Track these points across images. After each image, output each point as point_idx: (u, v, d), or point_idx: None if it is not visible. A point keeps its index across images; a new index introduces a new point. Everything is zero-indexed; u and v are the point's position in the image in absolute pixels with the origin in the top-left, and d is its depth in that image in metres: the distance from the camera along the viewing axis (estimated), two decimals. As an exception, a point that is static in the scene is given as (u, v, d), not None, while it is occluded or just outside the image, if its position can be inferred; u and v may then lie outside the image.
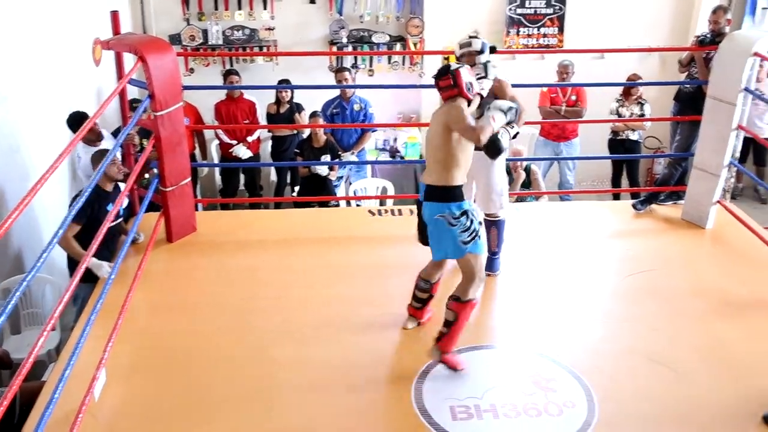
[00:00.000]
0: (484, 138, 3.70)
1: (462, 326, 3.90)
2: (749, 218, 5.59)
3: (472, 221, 3.83)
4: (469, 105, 3.88)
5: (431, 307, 4.33)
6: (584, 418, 3.60)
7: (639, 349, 4.16)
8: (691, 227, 5.63)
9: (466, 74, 3.87)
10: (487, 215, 4.74)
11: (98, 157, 4.85)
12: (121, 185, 4.79)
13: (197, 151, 7.56)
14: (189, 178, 5.31)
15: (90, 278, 4.41)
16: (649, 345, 4.19)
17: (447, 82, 3.86)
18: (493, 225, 4.77)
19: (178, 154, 5.10)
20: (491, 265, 4.81)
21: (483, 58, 4.47)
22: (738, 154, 5.56)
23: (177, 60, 5.03)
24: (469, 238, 3.82)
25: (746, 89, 5.15)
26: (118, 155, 5.26)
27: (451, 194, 3.83)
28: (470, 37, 4.55)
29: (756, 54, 5.06)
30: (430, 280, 4.21)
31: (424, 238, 4.06)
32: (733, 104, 5.16)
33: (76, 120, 5.38)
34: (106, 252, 4.61)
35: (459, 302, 3.89)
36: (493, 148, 3.83)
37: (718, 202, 5.55)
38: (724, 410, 3.68)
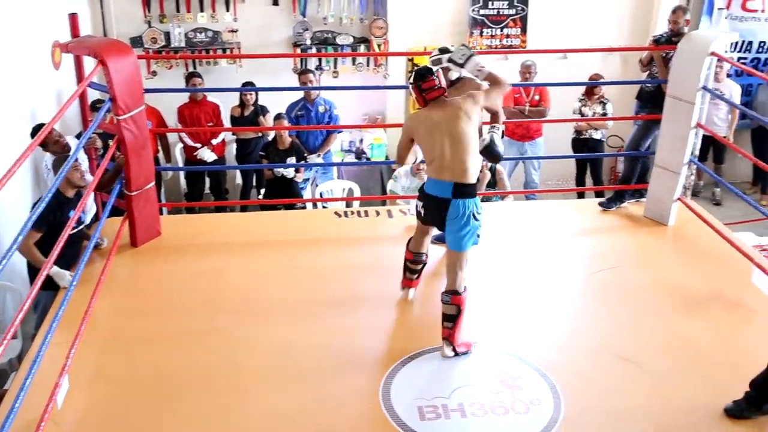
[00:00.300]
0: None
1: (464, 315, 4.06)
2: (709, 215, 5.69)
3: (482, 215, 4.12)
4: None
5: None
6: (550, 415, 3.63)
7: (604, 345, 4.21)
8: (654, 224, 5.71)
9: (442, 76, 4.10)
10: None
11: (59, 163, 4.77)
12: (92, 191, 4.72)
13: (161, 155, 7.48)
14: (153, 182, 5.26)
15: (51, 285, 4.35)
16: (614, 341, 4.24)
17: (432, 83, 4.04)
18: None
19: (142, 157, 5.04)
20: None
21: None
22: (697, 152, 5.66)
23: (138, 63, 4.97)
24: (479, 231, 4.11)
25: (704, 88, 5.24)
26: (85, 163, 5.19)
27: (476, 190, 4.09)
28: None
29: (713, 53, 5.15)
30: (422, 251, 4.47)
31: (432, 221, 4.25)
32: (692, 103, 5.25)
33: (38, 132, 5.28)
34: (68, 259, 4.54)
35: (458, 295, 4.04)
36: (492, 153, 4.10)
37: (679, 199, 5.64)
38: (688, 405, 3.73)
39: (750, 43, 8.74)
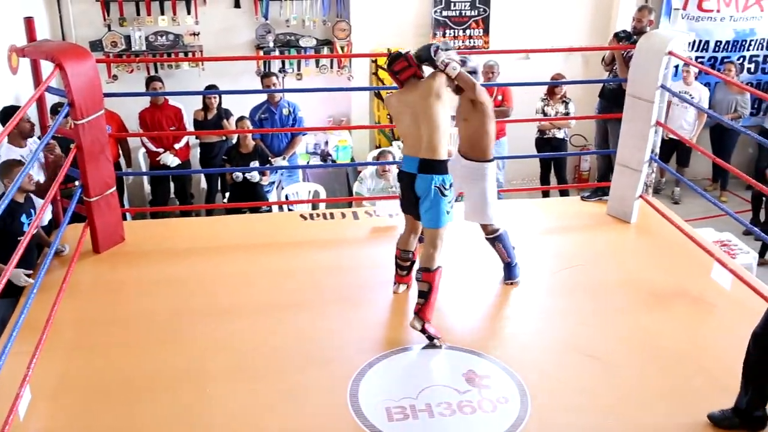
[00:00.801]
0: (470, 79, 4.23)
1: (436, 292, 4.18)
2: (671, 212, 5.78)
3: (452, 193, 4.27)
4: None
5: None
6: (517, 413, 3.65)
7: (569, 342, 4.26)
8: (617, 222, 5.78)
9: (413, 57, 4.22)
10: (485, 231, 4.74)
11: (6, 168, 4.68)
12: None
13: (122, 160, 7.38)
14: (114, 188, 5.19)
15: (10, 293, 4.25)
16: (579, 338, 4.29)
17: (403, 64, 4.21)
18: (495, 240, 4.74)
19: (101, 163, 4.97)
20: (510, 274, 4.81)
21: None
22: (657, 150, 5.75)
23: (97, 67, 4.90)
24: (451, 208, 4.24)
25: (662, 87, 5.32)
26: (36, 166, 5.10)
27: (443, 166, 4.20)
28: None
29: (671, 53, 5.23)
30: (409, 249, 4.55)
31: (408, 208, 4.42)
32: (651, 102, 5.32)
33: (8, 114, 5.18)
34: (25, 265, 4.45)
35: (429, 272, 4.17)
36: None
37: (641, 197, 5.72)
38: (652, 399, 3.79)
39: (707, 42, 8.91)
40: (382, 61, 8.27)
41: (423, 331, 4.14)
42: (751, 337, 3.48)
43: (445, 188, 4.19)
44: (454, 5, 8.31)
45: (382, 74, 8.34)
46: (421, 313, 4.14)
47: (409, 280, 4.66)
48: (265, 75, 7.53)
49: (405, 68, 4.22)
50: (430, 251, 4.22)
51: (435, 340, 4.17)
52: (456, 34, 8.40)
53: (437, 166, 4.19)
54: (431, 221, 4.23)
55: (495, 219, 4.69)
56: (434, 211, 4.20)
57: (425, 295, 4.15)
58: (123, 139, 7.29)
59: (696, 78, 8.37)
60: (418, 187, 4.23)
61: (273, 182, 7.42)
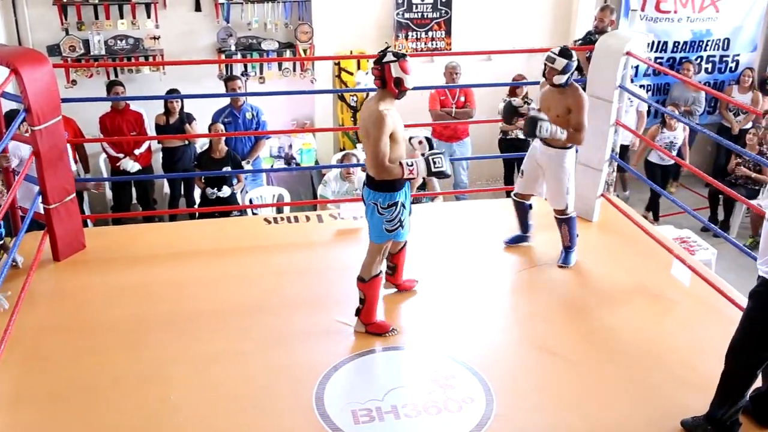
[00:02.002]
0: (384, 161, 3.97)
1: (373, 300, 4.25)
2: (632, 210, 5.86)
3: (399, 213, 4.13)
4: (398, 98, 4.05)
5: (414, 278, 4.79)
6: (483, 412, 3.68)
7: (533, 341, 4.30)
8: (579, 221, 5.78)
9: (397, 69, 3.94)
10: (556, 212, 5.07)
11: None
12: None
13: (80, 166, 7.27)
14: (74, 194, 5.11)
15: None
16: (543, 336, 4.33)
17: (376, 71, 4.00)
18: (564, 222, 5.06)
19: (60, 169, 4.89)
20: (566, 259, 5.10)
21: None
22: (618, 149, 5.83)
23: (54, 72, 4.83)
24: (392, 228, 4.15)
25: (621, 86, 5.39)
26: None
27: (382, 186, 4.08)
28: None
29: (629, 53, 5.31)
30: (391, 251, 4.48)
31: None
32: (610, 101, 5.41)
33: None
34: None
35: (363, 282, 4.24)
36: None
37: (602, 195, 5.79)
38: (613, 396, 3.85)
39: (665, 43, 9.06)
40: (345, 64, 8.33)
41: (368, 332, 4.27)
42: (729, 351, 3.48)
43: (382, 207, 4.10)
44: (417, 7, 8.34)
45: (345, 77, 8.34)
46: (360, 316, 4.30)
47: (395, 281, 4.71)
48: (229, 78, 7.48)
49: (376, 77, 4.03)
50: (366, 261, 4.25)
51: (386, 334, 4.27)
52: (418, 36, 8.43)
53: (377, 184, 4.09)
54: (370, 233, 4.25)
55: (569, 204, 5.00)
56: (371, 224, 4.21)
57: (362, 302, 4.27)
58: (80, 144, 7.19)
59: (645, 75, 8.49)
60: (363, 199, 4.28)
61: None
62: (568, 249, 5.10)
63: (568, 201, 4.99)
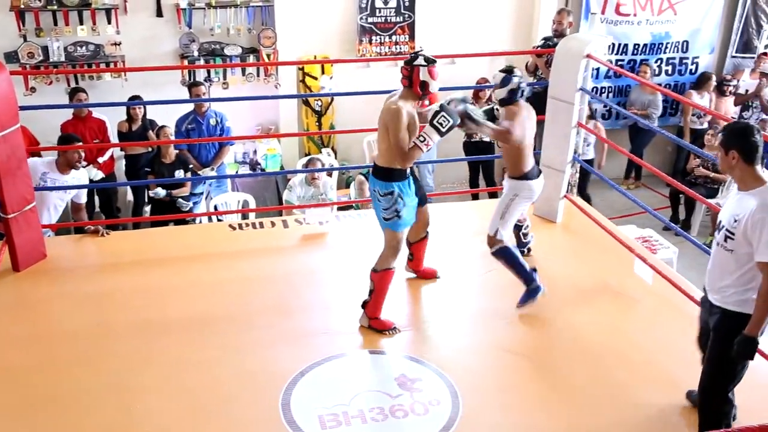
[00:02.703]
0: (405, 149, 4.14)
1: (382, 293, 4.32)
2: (594, 210, 5.93)
3: (395, 202, 4.24)
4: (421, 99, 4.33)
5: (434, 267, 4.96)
6: (449, 414, 3.69)
7: (498, 342, 4.33)
8: (544, 222, 5.89)
9: (426, 73, 4.24)
10: (488, 241, 4.67)
11: None
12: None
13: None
14: (33, 203, 5.03)
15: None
16: (509, 337, 4.36)
17: (405, 71, 4.27)
18: (496, 257, 4.62)
19: (19, 178, 4.82)
20: (522, 297, 4.58)
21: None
22: (580, 150, 5.89)
23: (11, 79, 4.75)
24: (389, 216, 4.27)
25: (582, 89, 5.46)
26: None
27: (383, 173, 4.26)
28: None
29: (589, 56, 5.38)
30: (409, 240, 4.66)
31: None
32: (571, 103, 5.46)
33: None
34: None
35: (375, 272, 4.31)
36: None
37: (566, 196, 5.85)
38: (578, 394, 3.89)
39: (626, 45, 9.19)
40: (309, 69, 8.31)
41: (371, 326, 4.34)
42: (703, 392, 3.47)
43: (381, 194, 4.26)
44: (380, 12, 8.35)
45: (310, 81, 8.33)
46: (366, 309, 4.37)
47: (416, 267, 4.90)
48: (192, 84, 7.43)
49: (404, 76, 4.30)
50: (382, 252, 4.36)
51: (387, 332, 4.34)
52: (382, 41, 8.45)
53: (379, 171, 4.28)
54: (380, 223, 4.37)
55: (501, 233, 4.60)
56: (375, 211, 4.38)
57: (371, 293, 4.35)
58: (37, 153, 7.05)
59: (606, 77, 8.60)
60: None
61: (201, 193, 7.31)
62: (526, 288, 4.58)
63: (499, 227, 4.60)
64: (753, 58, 9.40)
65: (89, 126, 7.16)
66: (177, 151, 6.93)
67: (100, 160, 7.21)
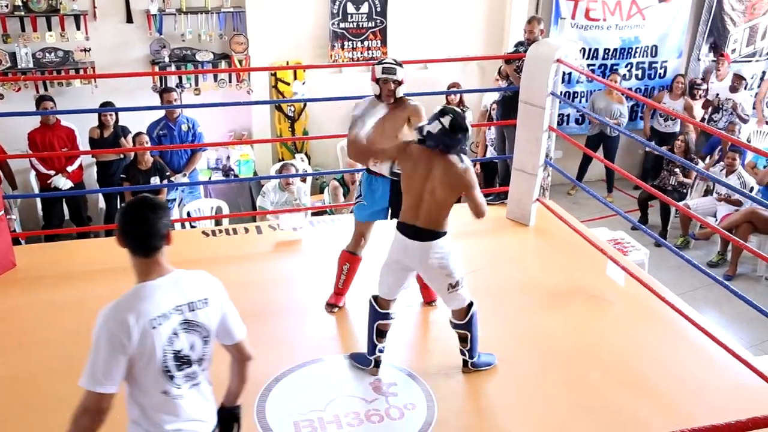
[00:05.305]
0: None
1: (338, 270, 4.65)
2: (567, 213, 5.98)
3: (362, 191, 4.58)
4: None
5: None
6: (424, 418, 3.70)
7: (473, 345, 4.33)
8: (516, 225, 5.94)
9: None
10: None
11: None
12: None
13: (4, 183, 7.05)
14: (2, 211, 4.96)
15: None
16: (482, 340, 4.36)
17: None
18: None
19: (-13, 186, 4.76)
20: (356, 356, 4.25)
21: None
22: (552, 154, 5.95)
23: (-22, 86, 4.69)
24: (355, 201, 4.65)
25: (552, 93, 5.51)
26: None
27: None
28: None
29: (559, 60, 5.43)
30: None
31: None
32: (543, 108, 5.51)
33: None
34: None
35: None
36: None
37: (538, 200, 5.90)
38: (553, 397, 3.91)
39: (596, 50, 9.29)
40: (282, 74, 8.29)
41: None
42: None
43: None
44: (352, 17, 8.37)
45: (282, 87, 8.32)
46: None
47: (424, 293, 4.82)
48: (164, 90, 7.37)
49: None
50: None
51: (329, 306, 4.67)
52: (354, 46, 8.46)
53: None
54: None
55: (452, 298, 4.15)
56: None
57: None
58: (2, 161, 6.97)
59: (578, 81, 8.66)
60: None
61: (174, 199, 7.26)
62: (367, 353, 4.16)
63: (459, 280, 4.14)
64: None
65: (58, 134, 7.07)
66: (153, 159, 6.86)
67: (69, 169, 7.12)
